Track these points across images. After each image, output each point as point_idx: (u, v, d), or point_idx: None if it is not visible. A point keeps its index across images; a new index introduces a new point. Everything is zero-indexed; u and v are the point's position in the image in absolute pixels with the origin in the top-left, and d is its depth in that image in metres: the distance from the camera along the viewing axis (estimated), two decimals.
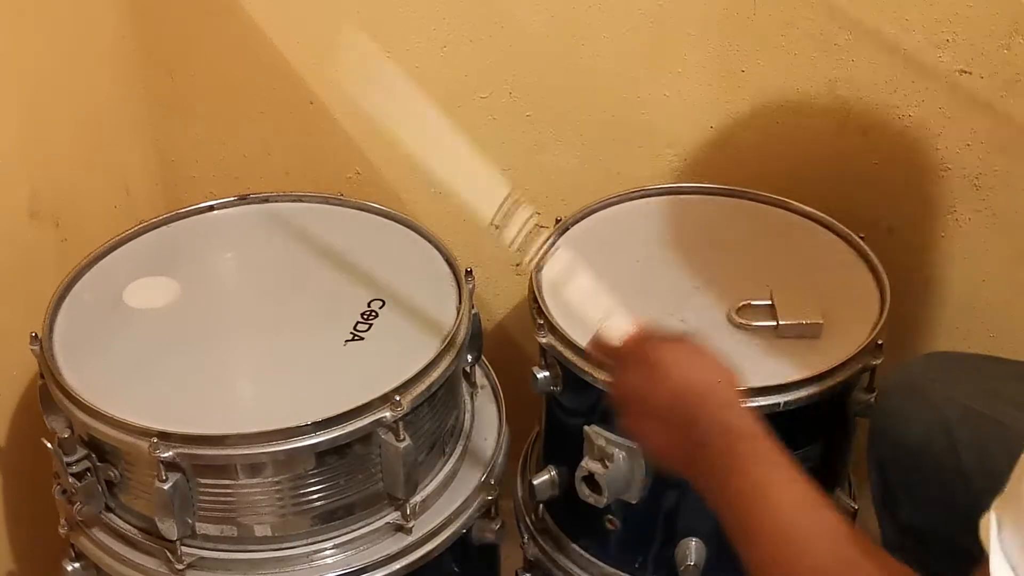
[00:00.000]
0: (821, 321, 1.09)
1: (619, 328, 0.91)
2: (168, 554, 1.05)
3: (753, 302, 1.14)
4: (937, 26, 1.25)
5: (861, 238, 1.23)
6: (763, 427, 0.81)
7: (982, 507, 0.96)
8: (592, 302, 0.94)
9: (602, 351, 0.92)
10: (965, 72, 1.26)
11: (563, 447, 1.19)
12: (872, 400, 1.11)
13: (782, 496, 0.76)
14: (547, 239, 0.93)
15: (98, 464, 1.05)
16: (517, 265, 1.50)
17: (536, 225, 0.91)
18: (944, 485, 0.99)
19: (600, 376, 0.95)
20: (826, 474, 1.14)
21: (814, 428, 1.09)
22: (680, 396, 0.84)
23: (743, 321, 1.12)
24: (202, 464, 1.00)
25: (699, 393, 0.83)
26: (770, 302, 1.13)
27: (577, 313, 0.93)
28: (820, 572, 0.72)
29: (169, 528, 1.02)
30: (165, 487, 0.99)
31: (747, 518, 0.77)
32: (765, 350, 1.10)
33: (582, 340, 1.10)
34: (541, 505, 1.24)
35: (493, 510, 1.16)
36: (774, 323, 1.11)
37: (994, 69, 1.26)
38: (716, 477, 0.80)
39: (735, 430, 0.81)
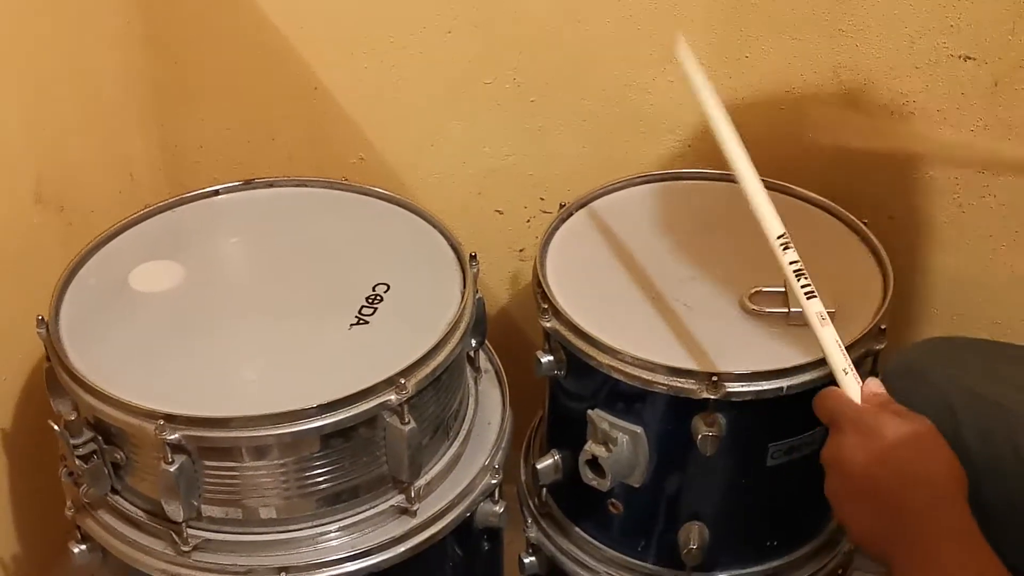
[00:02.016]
0: (833, 309, 1.09)
1: (853, 390, 0.90)
2: (174, 536, 1.05)
3: (765, 288, 1.14)
4: (941, 11, 1.25)
5: (864, 224, 1.23)
6: (974, 526, 0.79)
7: (984, 489, 0.96)
8: (834, 355, 0.92)
9: (829, 408, 0.90)
10: (969, 58, 1.26)
11: (567, 431, 1.19)
12: None
13: None
14: (806, 285, 0.96)
15: (104, 446, 1.06)
16: (521, 251, 1.50)
17: (801, 269, 0.97)
18: None
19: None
20: None
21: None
22: (896, 476, 0.81)
23: (755, 307, 1.12)
24: (208, 446, 1.00)
25: (916, 478, 0.81)
26: (782, 289, 1.13)
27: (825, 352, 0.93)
28: None
29: (175, 510, 1.02)
30: (171, 469, 0.99)
31: None
32: (775, 336, 1.10)
33: (586, 324, 1.10)
34: (544, 489, 1.25)
35: (497, 494, 1.16)
36: (786, 310, 1.11)
37: (998, 55, 1.26)
38: (908, 562, 0.78)
39: (941, 522, 0.79)
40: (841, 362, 0.92)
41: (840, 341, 0.94)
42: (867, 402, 0.89)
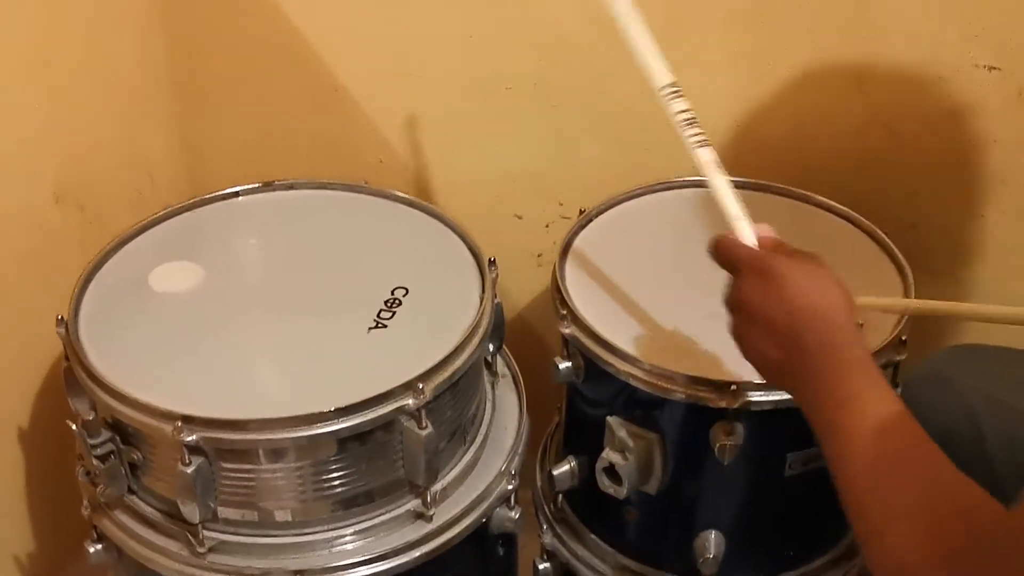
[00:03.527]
0: (861, 322, 1.08)
1: (747, 235, 0.91)
2: (190, 537, 1.05)
3: None
4: (966, 21, 1.24)
5: (885, 233, 1.23)
6: (868, 353, 0.81)
7: (1008, 495, 0.96)
8: (726, 201, 0.93)
9: (725, 253, 0.91)
10: (994, 68, 1.26)
11: (583, 437, 1.19)
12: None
13: (877, 410, 0.76)
14: (697, 133, 0.95)
15: (121, 447, 1.06)
16: (539, 256, 1.50)
17: (692, 118, 0.94)
18: (969, 475, 0.98)
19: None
20: None
21: None
22: (794, 311, 0.83)
23: None
24: (225, 448, 1.01)
25: (813, 311, 0.83)
26: None
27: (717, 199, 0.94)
28: (913, 493, 0.72)
29: (191, 511, 1.02)
30: (188, 470, 0.99)
31: (841, 430, 0.77)
32: None
33: (605, 331, 1.10)
34: (560, 495, 1.24)
35: (512, 499, 1.16)
36: None
37: (1023, 65, 1.25)
38: (813, 390, 0.81)
39: (839, 349, 0.81)
40: (735, 208, 0.92)
41: (732, 187, 0.94)
42: (762, 246, 0.90)
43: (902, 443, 0.75)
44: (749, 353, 0.88)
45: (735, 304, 0.88)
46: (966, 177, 1.33)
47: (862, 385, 0.78)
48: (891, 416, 0.76)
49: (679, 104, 0.95)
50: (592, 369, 1.13)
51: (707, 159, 0.94)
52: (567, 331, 1.13)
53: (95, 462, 1.06)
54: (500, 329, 1.21)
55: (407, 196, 1.30)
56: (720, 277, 1.18)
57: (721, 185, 0.93)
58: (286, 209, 1.30)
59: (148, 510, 1.09)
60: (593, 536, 1.22)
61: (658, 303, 1.16)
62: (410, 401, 1.01)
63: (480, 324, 1.10)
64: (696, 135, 0.94)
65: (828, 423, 0.78)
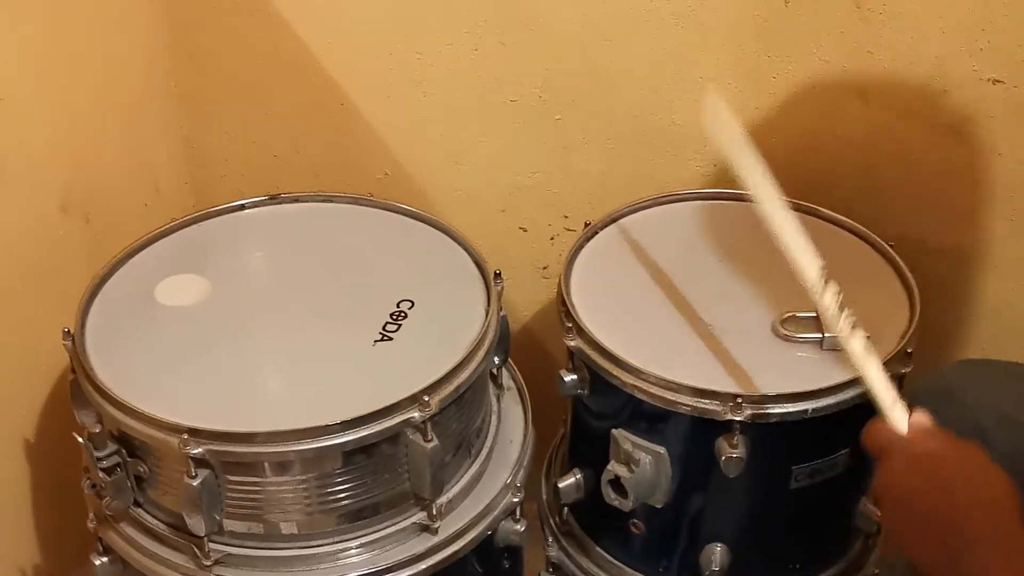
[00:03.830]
0: (868, 335, 1.08)
1: (901, 420, 0.88)
2: (195, 550, 1.05)
3: (798, 313, 1.13)
4: (970, 35, 1.24)
5: (891, 246, 1.23)
6: None
7: None
8: (879, 389, 0.91)
9: (876, 440, 0.89)
10: (998, 81, 1.26)
11: (589, 450, 1.19)
12: None
13: None
14: (849, 315, 0.95)
15: (127, 459, 1.06)
16: (544, 268, 1.50)
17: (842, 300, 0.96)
18: None
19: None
20: (852, 481, 1.14)
21: (842, 435, 1.09)
22: (956, 505, 0.81)
23: (788, 332, 1.11)
24: (231, 461, 1.01)
25: (975, 503, 0.81)
26: (815, 314, 1.12)
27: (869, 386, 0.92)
28: None
29: (197, 524, 1.02)
30: (194, 483, 1.00)
31: None
32: (804, 360, 1.09)
33: (610, 343, 1.10)
34: (566, 508, 1.24)
35: (518, 512, 1.16)
36: (819, 335, 1.10)
37: None
38: None
39: (1007, 555, 0.79)
40: (889, 395, 0.90)
41: (885, 374, 0.92)
42: (914, 432, 0.88)
43: None
44: (902, 542, 0.85)
45: (885, 490, 0.86)
46: (971, 189, 1.33)
47: None
48: None
49: (832, 287, 0.97)
50: (597, 382, 1.13)
51: (862, 344, 0.94)
52: (572, 344, 1.13)
53: (101, 475, 1.06)
54: (505, 342, 1.21)
55: (412, 209, 1.30)
56: (725, 287, 1.19)
57: (876, 371, 0.92)
58: (292, 222, 1.31)
59: (154, 523, 1.09)
60: (598, 549, 1.22)
61: (664, 316, 1.16)
62: (416, 414, 1.01)
63: (485, 337, 1.11)
64: (849, 318, 0.95)
65: None
